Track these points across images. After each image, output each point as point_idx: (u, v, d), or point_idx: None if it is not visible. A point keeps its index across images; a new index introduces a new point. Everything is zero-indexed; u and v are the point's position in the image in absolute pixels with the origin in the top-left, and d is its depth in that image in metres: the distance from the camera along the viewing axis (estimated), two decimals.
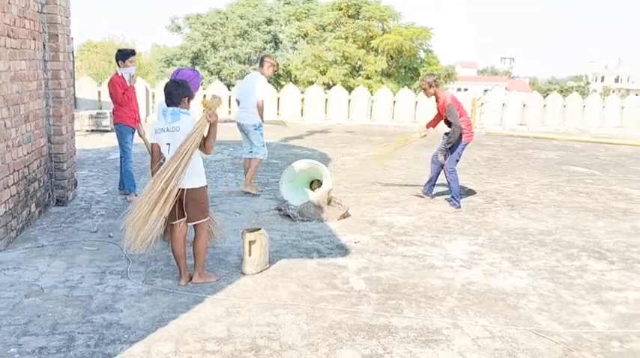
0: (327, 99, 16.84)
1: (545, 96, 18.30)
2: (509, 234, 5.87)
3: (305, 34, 23.87)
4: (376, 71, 22.38)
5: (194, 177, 4.11)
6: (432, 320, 3.81)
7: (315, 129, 14.79)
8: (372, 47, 22.62)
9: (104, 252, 4.87)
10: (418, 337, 3.57)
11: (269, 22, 25.72)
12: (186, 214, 4.16)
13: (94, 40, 34.28)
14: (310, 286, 4.30)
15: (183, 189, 4.06)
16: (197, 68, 24.41)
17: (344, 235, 5.64)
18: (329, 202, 6.31)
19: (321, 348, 3.37)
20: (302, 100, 16.71)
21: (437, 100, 6.81)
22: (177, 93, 4.16)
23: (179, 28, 26.52)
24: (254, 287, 4.25)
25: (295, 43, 24.78)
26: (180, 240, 4.23)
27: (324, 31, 23.60)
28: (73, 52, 7.19)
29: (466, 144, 6.80)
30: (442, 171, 6.97)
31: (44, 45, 5.92)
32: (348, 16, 23.29)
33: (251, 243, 4.43)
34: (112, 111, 6.85)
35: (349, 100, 16.90)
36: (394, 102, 17.04)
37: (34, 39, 5.65)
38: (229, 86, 18.63)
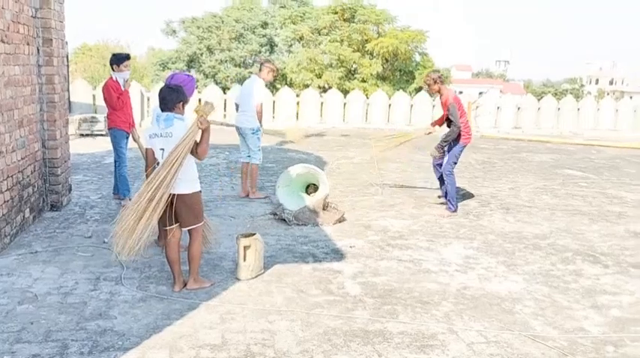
0: (322, 103, 16.85)
1: (539, 99, 18.34)
2: (504, 238, 5.88)
3: (300, 38, 23.89)
4: (371, 74, 22.42)
5: (187, 182, 4.09)
6: (428, 325, 3.81)
7: (310, 133, 14.79)
8: (368, 50, 22.67)
9: (98, 258, 4.85)
10: (413, 342, 3.56)
11: (265, 25, 25.74)
12: (179, 219, 4.15)
13: (89, 43, 34.22)
14: (305, 291, 4.29)
15: (176, 195, 4.04)
16: (192, 71, 24.41)
17: (339, 239, 5.63)
18: (325, 207, 6.31)
19: (315, 355, 3.36)
20: (297, 104, 16.71)
21: (440, 97, 6.82)
22: (172, 98, 4.15)
23: (174, 31, 26.50)
24: (249, 293, 4.24)
25: (291, 46, 24.81)
26: (174, 245, 4.22)
27: (320, 34, 23.62)
28: (67, 56, 7.17)
29: (464, 147, 6.79)
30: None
31: (38, 50, 5.90)
32: (344, 20, 23.33)
33: (246, 248, 4.42)
34: (106, 115, 6.83)
35: (345, 103, 16.92)
36: (389, 105, 17.07)
37: (28, 44, 5.63)
38: (225, 89, 18.62)
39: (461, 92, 36.02)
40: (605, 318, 4.03)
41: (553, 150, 12.97)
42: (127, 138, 6.69)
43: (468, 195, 7.77)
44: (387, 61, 22.71)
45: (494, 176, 9.43)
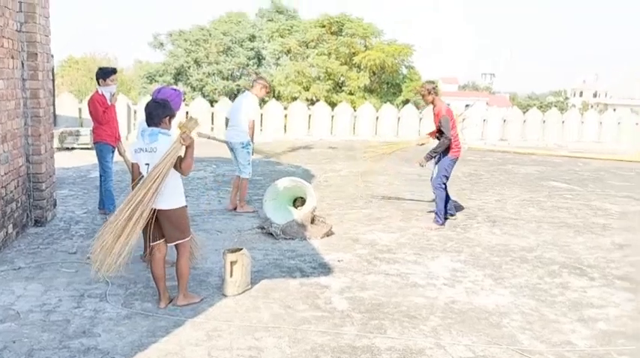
0: (310, 115, 16.89)
1: (524, 112, 18.56)
2: (491, 251, 5.90)
3: (288, 51, 24.02)
4: (359, 87, 22.58)
5: (171, 197, 4.05)
6: (415, 340, 3.80)
7: (298, 145, 14.80)
8: (355, 63, 22.85)
9: (82, 274, 4.78)
10: None
11: (252, 38, 25.86)
12: (164, 234, 4.11)
13: (76, 56, 34.09)
14: (293, 307, 4.26)
15: (159, 210, 4.01)
16: (180, 84, 24.38)
17: (327, 253, 5.61)
18: (313, 220, 6.30)
19: None
20: (285, 116, 16.73)
21: (433, 108, 6.85)
22: (158, 113, 4.13)
23: (162, 44, 26.52)
24: (235, 309, 4.20)
25: (278, 59, 24.93)
26: (160, 261, 4.17)
27: (307, 47, 23.77)
28: (53, 70, 7.12)
29: (454, 161, 6.81)
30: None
31: (23, 64, 5.85)
32: (331, 33, 23.52)
33: (232, 263, 4.38)
34: (91, 129, 6.78)
35: (332, 116, 16.97)
36: (377, 118, 17.15)
37: (13, 57, 5.59)
38: (212, 102, 18.61)
39: (448, 104, 36.28)
40: (591, 331, 4.04)
41: (539, 162, 13.09)
42: (113, 152, 6.64)
43: (456, 208, 7.80)
44: (374, 73, 22.90)
45: (481, 188, 9.49)
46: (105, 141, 6.51)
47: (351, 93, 22.68)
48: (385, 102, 19.47)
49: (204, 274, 4.86)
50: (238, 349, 3.57)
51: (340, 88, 23.27)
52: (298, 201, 6.71)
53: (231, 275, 4.39)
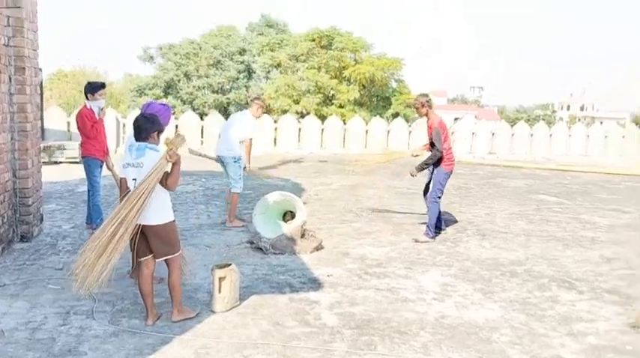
0: (300, 129, 16.93)
1: (513, 125, 18.76)
2: (480, 265, 5.91)
3: (278, 64, 24.12)
4: (349, 100, 22.69)
5: (159, 213, 4.02)
6: (406, 356, 3.77)
7: (288, 159, 14.80)
8: (345, 77, 22.98)
9: (69, 291, 4.68)
10: None
11: (242, 52, 25.95)
12: (152, 250, 4.07)
13: (65, 69, 33.98)
14: (282, 323, 4.22)
15: (147, 226, 3.97)
16: (170, 98, 24.36)
17: (317, 268, 5.59)
18: (302, 234, 6.27)
19: None
20: (275, 129, 16.75)
21: (427, 121, 6.89)
22: (147, 128, 4.11)
23: (152, 57, 26.53)
24: (224, 325, 4.15)
25: (268, 72, 25.02)
26: (148, 277, 4.12)
27: (297, 61, 23.88)
28: (41, 84, 7.08)
29: (448, 175, 6.81)
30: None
31: (10, 78, 5.81)
32: (321, 47, 23.66)
33: (221, 279, 4.34)
34: (80, 143, 6.74)
35: (322, 129, 17.03)
36: (366, 131, 17.23)
37: (0, 72, 5.55)
38: (202, 116, 18.60)
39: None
40: (581, 345, 4.04)
41: (527, 176, 13.18)
42: (101, 166, 6.59)
43: (446, 222, 7.81)
44: (364, 87, 23.03)
45: (471, 201, 9.52)
46: (93, 156, 6.47)
47: (341, 107, 22.78)
48: (375, 116, 19.58)
49: (192, 290, 4.81)
50: None
51: (330, 101, 23.38)
52: (288, 215, 6.68)
53: (219, 292, 4.34)
